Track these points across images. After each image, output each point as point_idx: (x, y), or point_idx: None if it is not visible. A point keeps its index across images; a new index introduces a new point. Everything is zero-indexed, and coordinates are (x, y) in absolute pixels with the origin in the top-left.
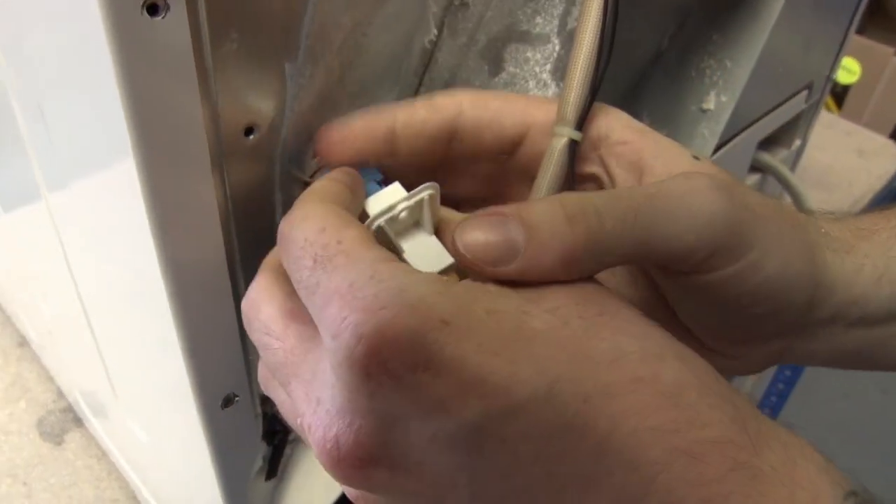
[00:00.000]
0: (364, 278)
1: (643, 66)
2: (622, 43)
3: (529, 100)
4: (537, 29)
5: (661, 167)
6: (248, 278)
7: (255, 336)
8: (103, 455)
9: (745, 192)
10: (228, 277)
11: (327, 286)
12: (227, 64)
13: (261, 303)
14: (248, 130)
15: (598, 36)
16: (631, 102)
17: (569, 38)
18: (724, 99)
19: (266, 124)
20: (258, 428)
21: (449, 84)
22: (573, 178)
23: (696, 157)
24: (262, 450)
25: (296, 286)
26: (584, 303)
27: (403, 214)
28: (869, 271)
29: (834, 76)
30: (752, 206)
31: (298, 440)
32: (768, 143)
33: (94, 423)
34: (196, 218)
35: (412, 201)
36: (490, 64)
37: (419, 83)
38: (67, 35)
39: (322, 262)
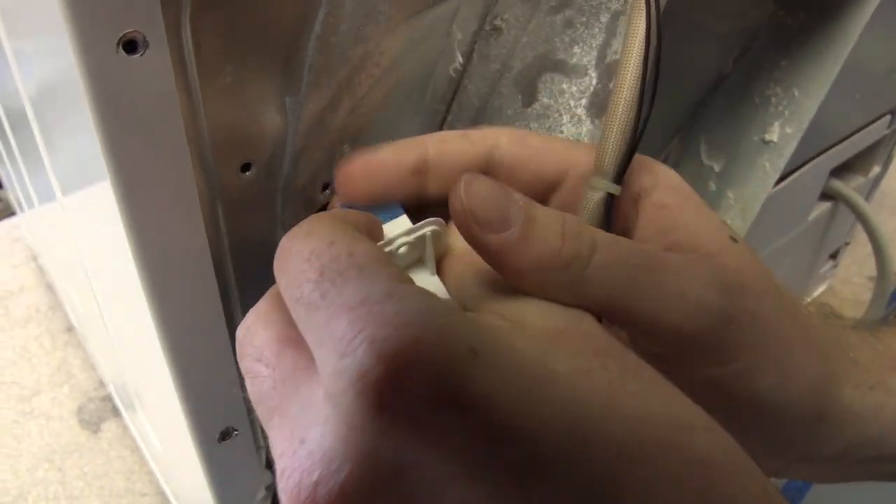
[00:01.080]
0: (381, 294)
1: (703, 91)
2: (681, 65)
3: (573, 143)
4: (574, 59)
5: (688, 240)
6: (247, 311)
7: (244, 364)
8: (136, 448)
9: (762, 298)
10: (224, 318)
11: (335, 299)
12: (220, 99)
13: (257, 327)
14: (245, 167)
15: (640, 78)
16: (689, 129)
17: (606, 72)
18: (789, 131)
19: (264, 160)
20: (260, 459)
21: (479, 112)
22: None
23: (733, 239)
24: (266, 480)
25: (292, 305)
26: (605, 355)
27: (403, 250)
28: (892, 411)
29: None
30: (759, 316)
31: None
32: (843, 169)
33: (126, 416)
34: (186, 260)
35: (412, 237)
36: (523, 93)
37: (446, 111)
38: (53, 70)
39: (330, 274)
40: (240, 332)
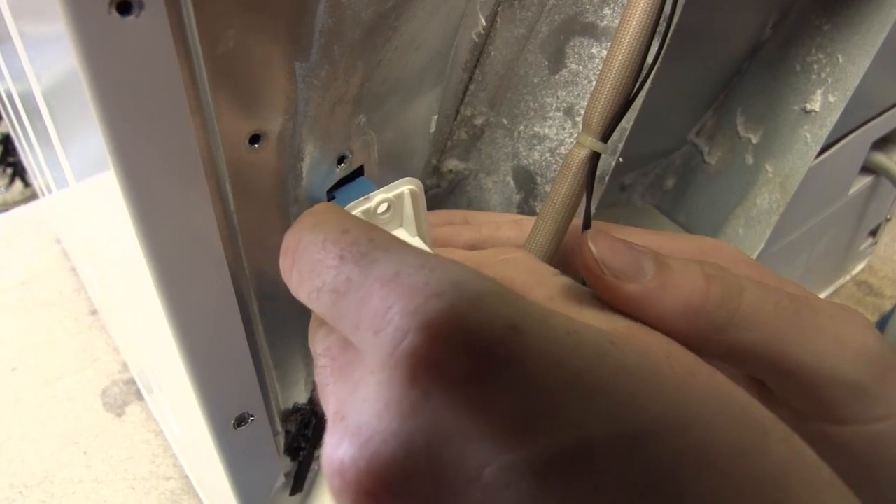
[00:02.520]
0: (413, 267)
1: (740, 58)
2: (714, 32)
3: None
4: (605, 21)
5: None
6: (261, 297)
7: (315, 353)
8: (160, 431)
9: None
10: (235, 299)
11: (362, 281)
12: (223, 66)
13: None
14: (254, 139)
15: (641, 38)
16: (724, 99)
17: None
18: (832, 99)
19: (274, 132)
20: (278, 445)
21: (503, 80)
22: (590, 194)
23: None
24: (284, 466)
25: (313, 297)
26: (673, 357)
27: (382, 208)
28: None
29: None
30: None
31: None
32: (885, 142)
33: (149, 400)
34: (194, 241)
35: (391, 194)
36: (550, 59)
37: (469, 79)
38: (51, 42)
39: (352, 257)
40: (311, 324)
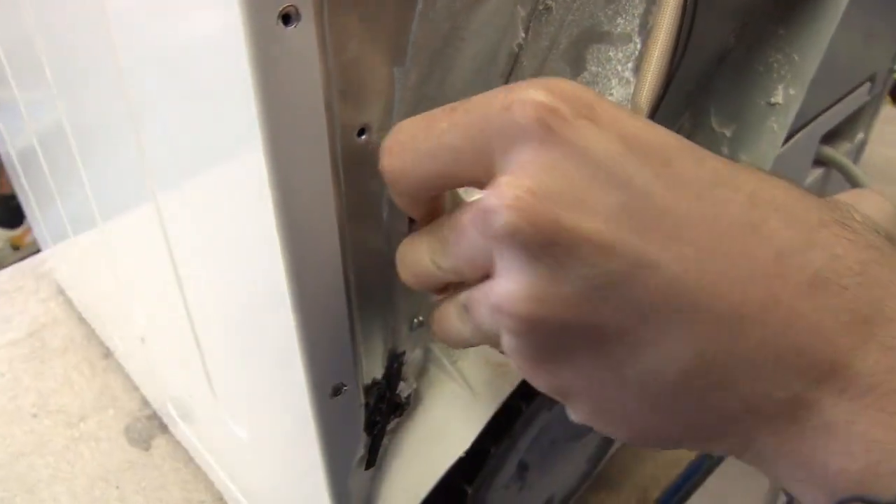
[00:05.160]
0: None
1: (711, 65)
2: (693, 46)
3: None
4: (619, 29)
5: None
6: (357, 269)
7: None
8: (190, 459)
9: None
10: (342, 272)
11: (469, 104)
12: (346, 69)
13: None
14: (361, 131)
15: (675, 29)
16: (698, 100)
17: (649, 37)
18: (792, 92)
19: (376, 125)
20: (362, 418)
21: None
22: None
23: None
24: (364, 439)
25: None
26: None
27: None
28: None
29: None
30: None
31: (395, 431)
32: (831, 136)
33: (182, 428)
34: (317, 215)
35: None
36: (571, 65)
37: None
38: (201, 40)
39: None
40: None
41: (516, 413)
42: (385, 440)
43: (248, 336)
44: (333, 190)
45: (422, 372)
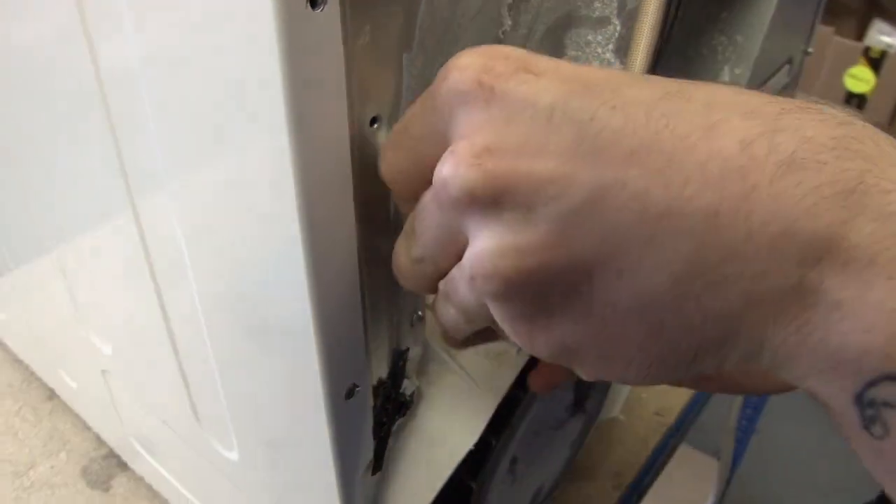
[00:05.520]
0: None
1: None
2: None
3: None
4: (597, 13)
5: None
6: (368, 264)
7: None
8: (155, 495)
9: None
10: (357, 263)
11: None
12: (359, 56)
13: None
14: (373, 121)
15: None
16: None
17: (629, 18)
18: (738, 71)
19: (387, 115)
20: (371, 420)
21: None
22: None
23: None
24: (371, 445)
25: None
26: None
27: None
28: None
29: (810, 50)
30: None
31: (398, 433)
32: None
33: (148, 462)
34: (336, 205)
35: None
36: (551, 51)
37: None
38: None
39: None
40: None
41: (515, 403)
42: (391, 441)
43: (253, 347)
44: (353, 184)
45: (422, 369)
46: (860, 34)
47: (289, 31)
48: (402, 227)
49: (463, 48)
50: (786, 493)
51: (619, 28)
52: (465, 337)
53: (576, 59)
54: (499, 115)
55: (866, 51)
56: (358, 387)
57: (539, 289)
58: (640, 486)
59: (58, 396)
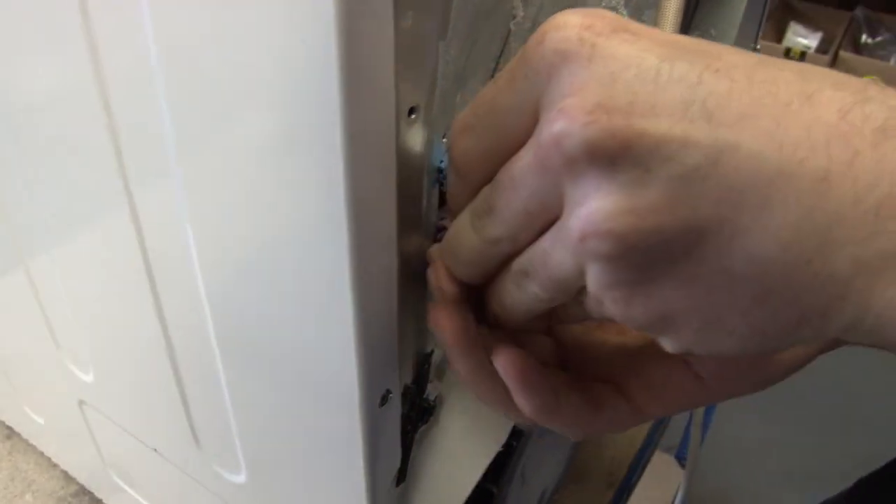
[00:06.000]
0: None
1: None
2: None
3: None
4: (602, 3)
5: None
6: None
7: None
8: None
9: None
10: (396, 263)
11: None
12: (402, 41)
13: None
14: (411, 111)
15: None
16: None
17: (637, 9)
18: None
19: (423, 104)
20: (399, 428)
21: None
22: None
23: None
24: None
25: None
26: None
27: None
28: None
29: (759, 47)
30: None
31: (421, 441)
32: None
33: (129, 494)
34: (381, 204)
35: None
36: None
37: (495, 68)
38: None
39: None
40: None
41: None
42: (413, 450)
43: (274, 361)
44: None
45: (440, 372)
46: (779, 37)
47: (348, 14)
48: (431, 224)
49: (486, 37)
50: (741, 484)
51: (626, 16)
52: (520, 322)
53: None
54: (603, 71)
55: (787, 52)
56: (391, 393)
57: (649, 252)
58: (629, 484)
59: (17, 434)
